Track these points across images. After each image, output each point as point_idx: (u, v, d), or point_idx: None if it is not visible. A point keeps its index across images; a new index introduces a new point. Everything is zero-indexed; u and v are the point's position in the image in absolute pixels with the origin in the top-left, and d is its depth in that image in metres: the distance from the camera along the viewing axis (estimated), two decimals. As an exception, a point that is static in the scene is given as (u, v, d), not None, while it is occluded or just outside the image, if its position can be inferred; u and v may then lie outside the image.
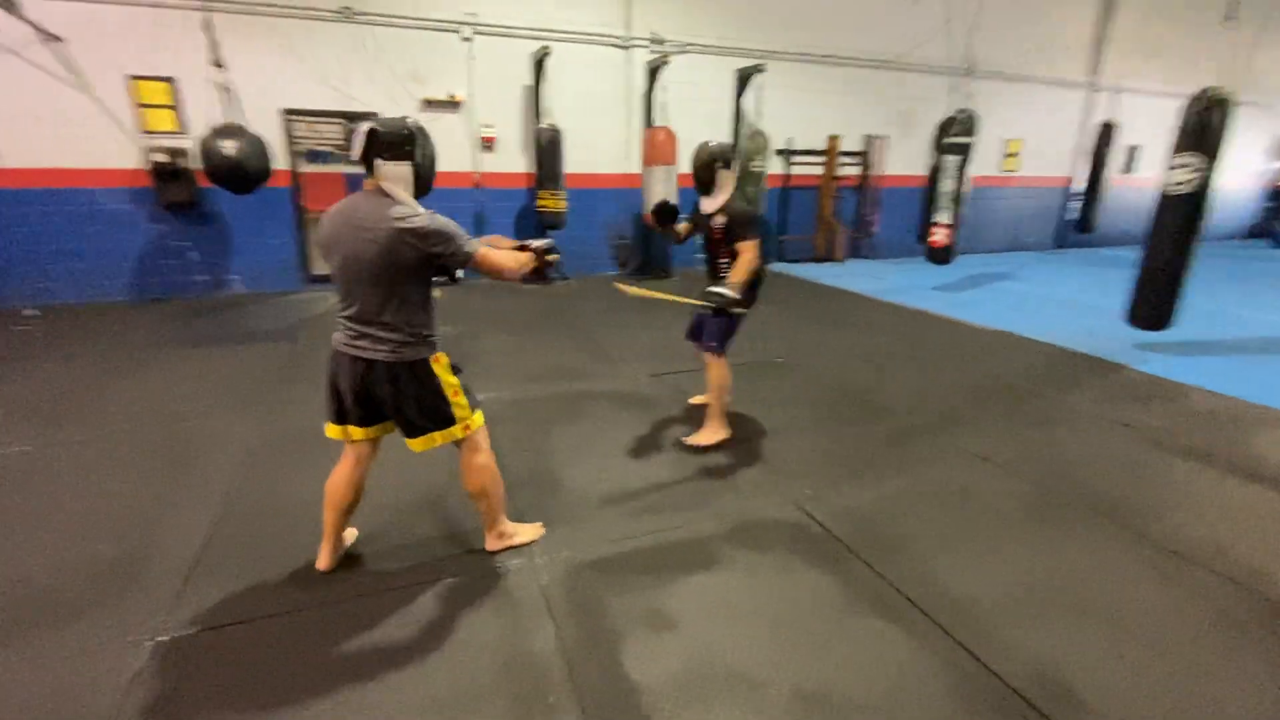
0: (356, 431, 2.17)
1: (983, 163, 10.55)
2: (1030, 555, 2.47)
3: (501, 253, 2.10)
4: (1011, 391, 4.30)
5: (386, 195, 1.94)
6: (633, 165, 7.97)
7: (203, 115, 6.08)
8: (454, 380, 2.16)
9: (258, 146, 5.84)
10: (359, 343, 2.01)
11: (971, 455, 3.33)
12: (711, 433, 3.40)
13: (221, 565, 2.33)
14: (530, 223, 7.63)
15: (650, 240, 8.32)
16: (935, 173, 7.11)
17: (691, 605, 2.16)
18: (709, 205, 3.21)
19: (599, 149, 7.99)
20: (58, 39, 5.79)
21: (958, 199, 7.06)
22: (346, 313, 2.02)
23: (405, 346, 2.02)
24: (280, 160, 6.44)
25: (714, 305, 3.06)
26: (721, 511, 2.75)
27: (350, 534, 2.45)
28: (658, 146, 7.45)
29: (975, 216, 10.79)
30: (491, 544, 2.44)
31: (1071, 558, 2.46)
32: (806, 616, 2.12)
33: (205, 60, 5.83)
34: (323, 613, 2.10)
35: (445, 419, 2.14)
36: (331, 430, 2.18)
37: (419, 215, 1.92)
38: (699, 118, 8.23)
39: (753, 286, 3.29)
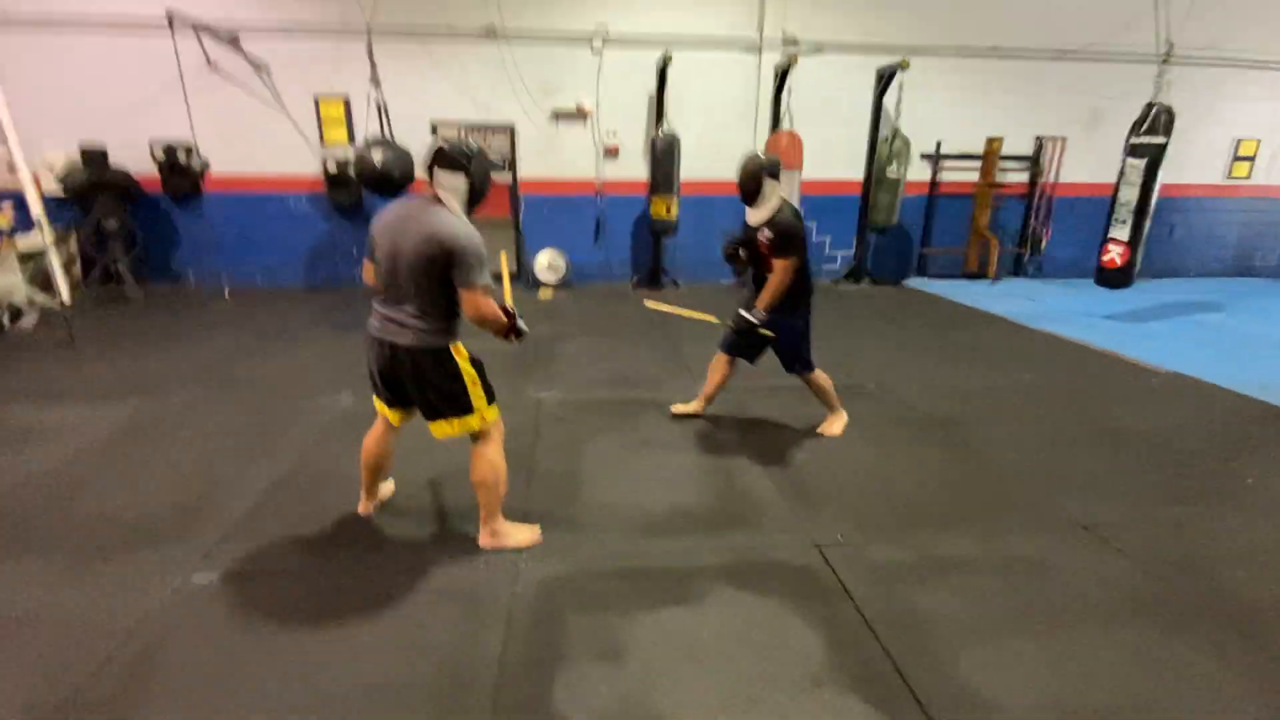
0: (383, 409, 2.45)
1: (1201, 168, 8.72)
2: (1106, 668, 1.94)
3: (494, 306, 2.21)
4: (1165, 450, 3.46)
5: (440, 203, 2.13)
6: (755, 171, 7.69)
7: (365, 128, 6.95)
8: (473, 371, 2.29)
9: (402, 156, 6.53)
10: (389, 328, 2.21)
11: (1073, 523, 2.72)
12: (837, 421, 3.59)
13: (258, 524, 2.61)
14: (648, 229, 7.69)
15: (770, 249, 7.98)
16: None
17: (653, 641, 2.00)
18: (755, 217, 3.18)
19: (719, 155, 7.81)
20: (262, 66, 6.96)
21: (1143, 210, 5.87)
22: (382, 301, 2.24)
23: (428, 335, 2.18)
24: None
25: (739, 328, 3.13)
26: (732, 544, 2.52)
27: (388, 489, 2.81)
28: (781, 152, 7.11)
29: (1183, 232, 8.94)
30: (484, 539, 2.47)
31: (1168, 684, 1.88)
32: (774, 679, 1.86)
33: (367, 80, 6.65)
34: (317, 579, 2.26)
35: (463, 407, 2.28)
36: (377, 403, 2.47)
37: (460, 230, 2.08)
38: (830, 121, 7.75)
39: (803, 296, 3.26)
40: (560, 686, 1.81)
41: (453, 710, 1.73)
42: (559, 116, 7.50)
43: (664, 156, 7.06)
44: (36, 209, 6.38)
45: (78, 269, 6.96)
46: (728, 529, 2.64)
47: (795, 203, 7.16)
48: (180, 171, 7.04)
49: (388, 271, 2.17)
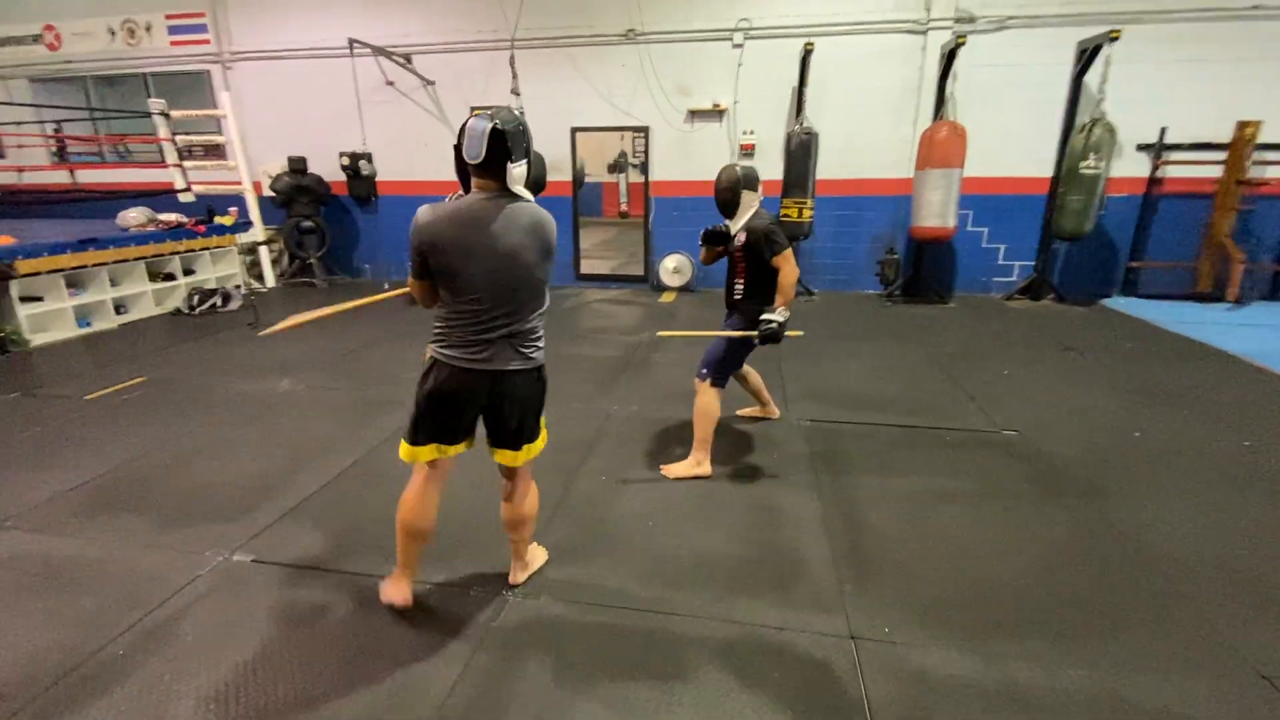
0: (445, 452, 1.99)
1: None
2: None
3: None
4: None
5: (519, 197, 1.83)
6: (907, 168, 6.79)
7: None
8: None
9: (538, 161, 6.77)
10: (496, 355, 1.87)
11: (1247, 668, 1.91)
12: (691, 465, 3.11)
13: (309, 513, 2.78)
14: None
15: (923, 255, 7.02)
16: None
17: (608, 717, 1.74)
18: (731, 227, 3.06)
19: (867, 151, 7.04)
20: (430, 82, 7.66)
21: None
22: (472, 322, 1.85)
23: (540, 350, 1.98)
24: (566, 172, 7.36)
25: (763, 335, 2.86)
26: (749, 614, 2.14)
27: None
28: (937, 146, 6.20)
29: None
30: (518, 577, 2.29)
31: None
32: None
33: (510, 89, 7.01)
34: (318, 582, 2.33)
35: (535, 431, 2.07)
36: (424, 453, 1.96)
37: (547, 216, 1.87)
38: (1007, 108, 6.60)
39: (761, 306, 2.99)
40: (484, 751, 1.64)
41: (371, 751, 1.64)
42: (695, 115, 7.28)
43: (798, 155, 6.51)
44: (254, 211, 7.66)
45: (285, 262, 8.28)
46: (751, 593, 2.25)
47: (953, 204, 6.21)
48: (360, 178, 8.05)
49: (488, 286, 1.80)
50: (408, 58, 7.53)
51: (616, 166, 10.13)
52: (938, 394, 4.18)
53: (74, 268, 5.65)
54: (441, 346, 1.90)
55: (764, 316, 2.86)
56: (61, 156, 9.06)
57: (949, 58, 6.34)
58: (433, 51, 7.52)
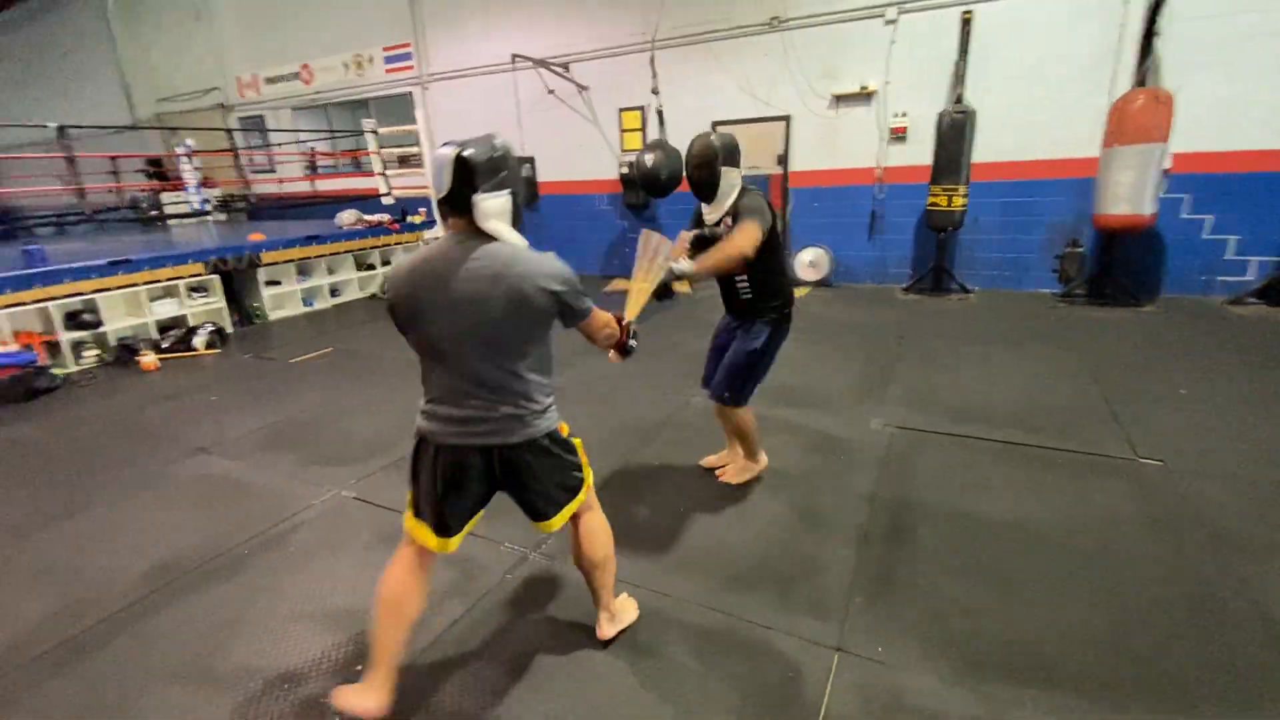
0: (430, 538, 1.69)
1: None
2: None
3: (606, 315, 1.78)
4: None
5: (492, 237, 1.53)
6: (1095, 146, 5.76)
7: (653, 134, 7.63)
8: (577, 440, 1.81)
9: (673, 157, 6.97)
10: (472, 430, 1.60)
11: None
12: (747, 467, 2.96)
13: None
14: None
15: (1112, 246, 5.93)
16: None
17: (560, 665, 1.89)
18: (712, 214, 2.57)
19: (1041, 128, 6.09)
20: (585, 88, 8.23)
21: None
22: (442, 396, 1.61)
23: (541, 419, 1.65)
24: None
25: (663, 281, 2.28)
26: (739, 607, 2.13)
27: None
28: (1130, 118, 5.19)
29: None
30: (606, 630, 1.99)
31: None
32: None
33: (650, 89, 7.27)
34: (382, 531, 2.78)
35: (577, 485, 1.79)
36: (419, 531, 1.70)
37: (548, 264, 1.55)
38: (1245, 66, 5.29)
39: (779, 296, 2.63)
40: None
41: None
42: (840, 100, 6.90)
43: (950, 136, 5.89)
44: (438, 212, 8.88)
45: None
46: (749, 588, 2.23)
47: (1151, 186, 5.18)
48: (525, 180, 8.93)
49: (453, 355, 1.56)
50: (566, 66, 8.16)
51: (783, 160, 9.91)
52: (1073, 409, 3.59)
53: (302, 258, 7.11)
54: (425, 419, 1.65)
55: (673, 264, 2.28)
56: (312, 169, 11.31)
57: (1154, 10, 5.26)
58: (586, 59, 8.06)
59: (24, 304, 4.95)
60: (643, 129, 8.02)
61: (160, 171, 11.75)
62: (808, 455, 3.24)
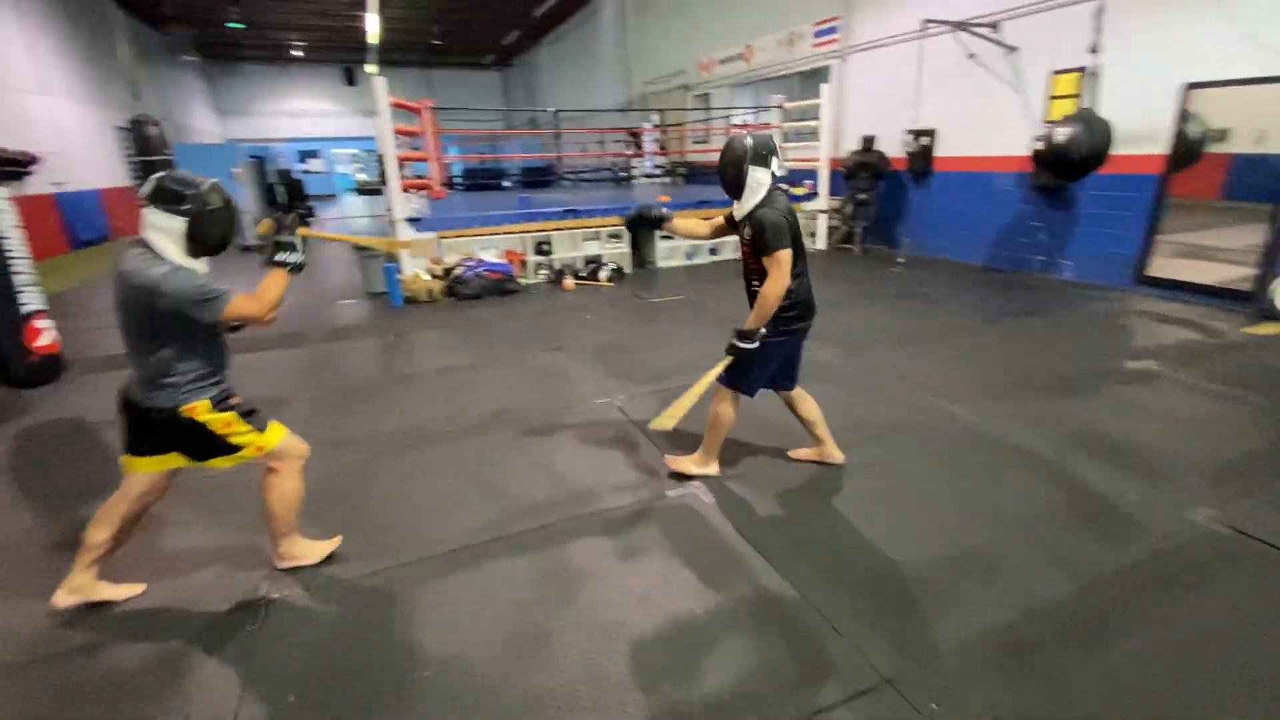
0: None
1: None
2: None
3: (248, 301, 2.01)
4: None
5: (147, 247, 1.92)
6: None
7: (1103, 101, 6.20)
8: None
9: (1098, 133, 5.61)
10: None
11: None
12: (700, 460, 2.98)
13: (666, 393, 4.00)
14: None
15: None
16: None
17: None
18: (738, 211, 2.69)
19: None
20: (1013, 49, 7.11)
21: None
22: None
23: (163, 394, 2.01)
24: (1124, 145, 5.79)
25: (733, 358, 2.68)
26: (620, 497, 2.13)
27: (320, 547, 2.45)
28: None
29: None
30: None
31: None
32: None
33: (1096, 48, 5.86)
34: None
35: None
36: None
37: (160, 274, 1.89)
38: None
39: (785, 311, 2.63)
40: None
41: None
42: None
43: None
44: (824, 184, 9.18)
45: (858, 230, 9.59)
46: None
47: None
48: (920, 153, 8.38)
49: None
50: (995, 25, 7.18)
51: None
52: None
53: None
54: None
55: (734, 341, 2.63)
56: (738, 140, 12.79)
57: None
58: (1020, 14, 6.92)
59: (513, 233, 7.45)
60: (1077, 96, 6.56)
61: (636, 141, 15.06)
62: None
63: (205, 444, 2.08)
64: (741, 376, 2.75)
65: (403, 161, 7.07)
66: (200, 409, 2.02)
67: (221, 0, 16.10)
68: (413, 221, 6.98)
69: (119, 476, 2.16)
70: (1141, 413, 3.56)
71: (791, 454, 3.13)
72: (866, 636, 1.99)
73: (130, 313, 1.93)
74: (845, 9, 9.35)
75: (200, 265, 1.99)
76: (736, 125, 11.60)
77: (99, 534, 2.12)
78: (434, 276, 6.90)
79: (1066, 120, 5.77)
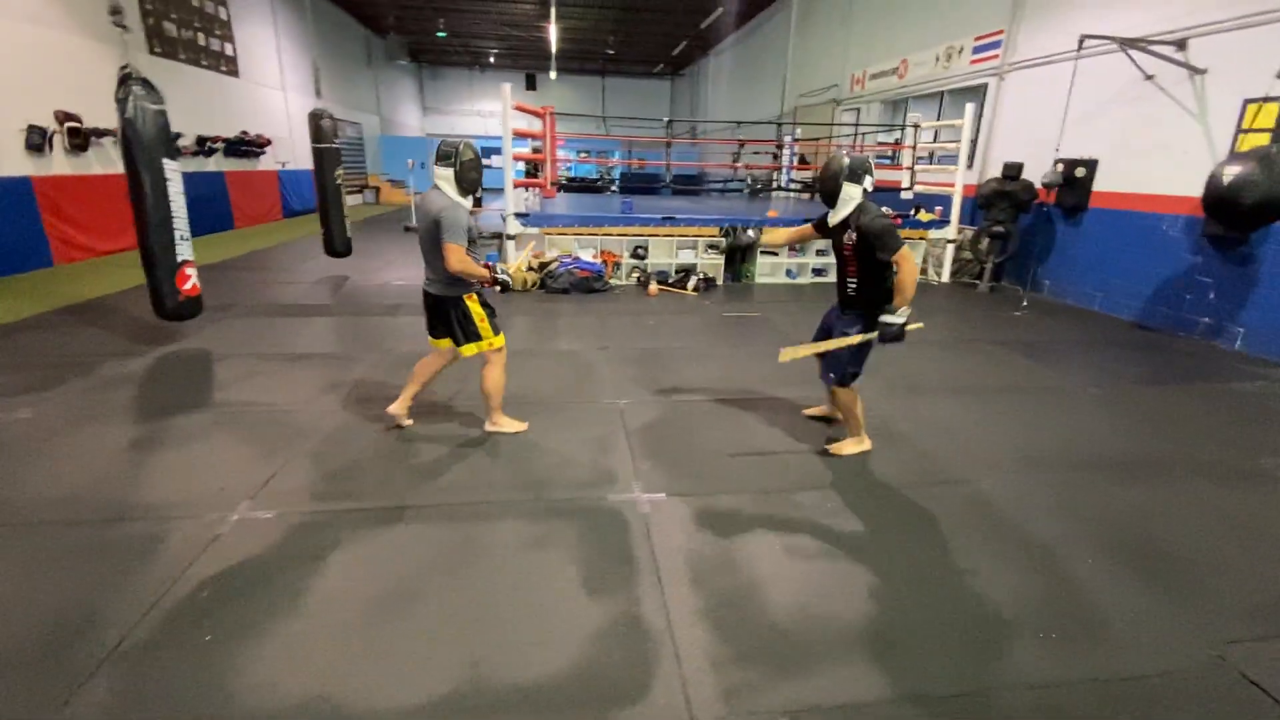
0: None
1: None
2: None
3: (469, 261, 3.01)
4: None
5: (436, 189, 3.01)
6: None
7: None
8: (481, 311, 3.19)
9: (1278, 176, 4.57)
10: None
11: None
12: (855, 443, 3.36)
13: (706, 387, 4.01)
14: None
15: None
16: None
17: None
18: (833, 218, 3.10)
19: None
20: (1200, 71, 5.98)
21: None
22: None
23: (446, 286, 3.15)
24: None
25: (883, 336, 2.98)
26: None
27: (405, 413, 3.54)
28: None
29: None
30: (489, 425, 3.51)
31: None
32: (482, 647, 2.02)
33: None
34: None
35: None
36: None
37: (443, 203, 2.95)
38: None
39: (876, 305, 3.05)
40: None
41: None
42: None
43: None
44: (955, 211, 8.41)
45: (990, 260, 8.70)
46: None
47: None
48: (1075, 185, 7.34)
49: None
50: (1181, 44, 6.08)
51: None
52: None
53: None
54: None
55: (883, 319, 2.95)
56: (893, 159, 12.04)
57: None
58: (1211, 32, 5.79)
59: (612, 235, 7.75)
60: (1277, 130, 5.36)
61: (777, 154, 14.76)
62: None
63: (465, 329, 3.14)
64: (848, 370, 3.18)
65: (537, 163, 7.65)
66: (473, 300, 3.15)
67: (431, 12, 18.41)
68: (521, 216, 7.56)
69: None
70: (1220, 520, 2.89)
71: (807, 412, 3.86)
72: (703, 680, 1.92)
73: (426, 232, 2.96)
74: (1011, 22, 8.43)
75: (467, 203, 3.01)
76: (882, 143, 10.97)
77: (414, 384, 3.40)
78: (531, 269, 7.42)
79: (1238, 158, 4.75)
